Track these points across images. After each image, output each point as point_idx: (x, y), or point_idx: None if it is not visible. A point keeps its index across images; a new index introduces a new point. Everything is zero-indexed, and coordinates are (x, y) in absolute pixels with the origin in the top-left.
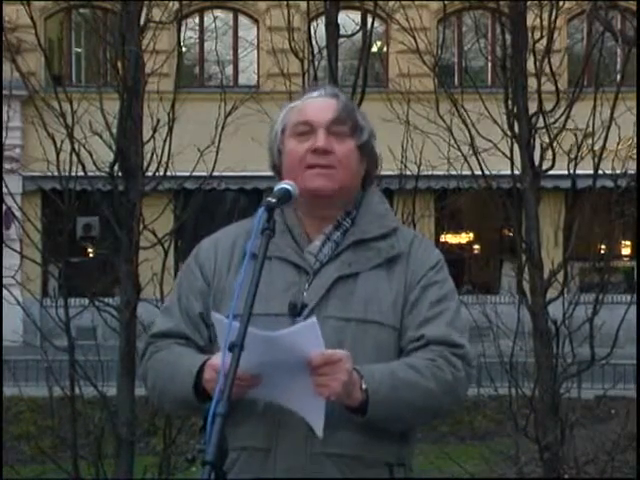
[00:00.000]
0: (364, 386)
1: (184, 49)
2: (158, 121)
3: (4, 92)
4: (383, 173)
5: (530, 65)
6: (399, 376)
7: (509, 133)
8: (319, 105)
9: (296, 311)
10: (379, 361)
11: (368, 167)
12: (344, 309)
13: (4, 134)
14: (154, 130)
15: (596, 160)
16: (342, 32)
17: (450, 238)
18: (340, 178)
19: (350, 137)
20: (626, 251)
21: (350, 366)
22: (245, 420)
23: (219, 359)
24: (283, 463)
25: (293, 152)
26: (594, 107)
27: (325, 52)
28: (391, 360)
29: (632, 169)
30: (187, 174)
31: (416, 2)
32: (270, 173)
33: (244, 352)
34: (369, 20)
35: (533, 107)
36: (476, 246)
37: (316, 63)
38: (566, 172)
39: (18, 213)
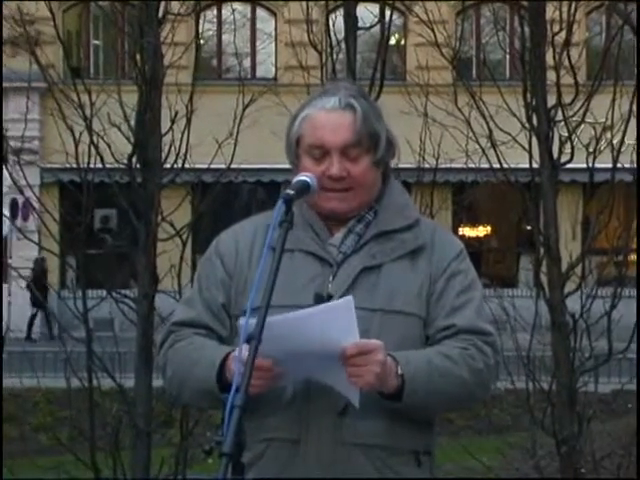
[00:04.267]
0: (400, 372)
1: (202, 41)
2: (176, 113)
3: (23, 84)
4: (401, 166)
5: (549, 58)
6: (435, 364)
7: (527, 126)
8: (334, 123)
9: (322, 302)
10: (405, 350)
11: (386, 165)
12: (369, 300)
13: (24, 126)
14: (172, 122)
15: (615, 153)
16: (360, 24)
17: (468, 231)
18: (356, 198)
19: (366, 154)
20: None
21: (383, 357)
22: (272, 412)
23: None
24: (312, 453)
25: (308, 172)
26: (613, 100)
27: (343, 45)
28: (417, 349)
29: None
30: (205, 166)
31: None
32: (288, 165)
33: (271, 343)
34: (387, 12)
35: (552, 100)
36: (494, 239)
37: (334, 56)
38: (584, 165)
39: (36, 205)
